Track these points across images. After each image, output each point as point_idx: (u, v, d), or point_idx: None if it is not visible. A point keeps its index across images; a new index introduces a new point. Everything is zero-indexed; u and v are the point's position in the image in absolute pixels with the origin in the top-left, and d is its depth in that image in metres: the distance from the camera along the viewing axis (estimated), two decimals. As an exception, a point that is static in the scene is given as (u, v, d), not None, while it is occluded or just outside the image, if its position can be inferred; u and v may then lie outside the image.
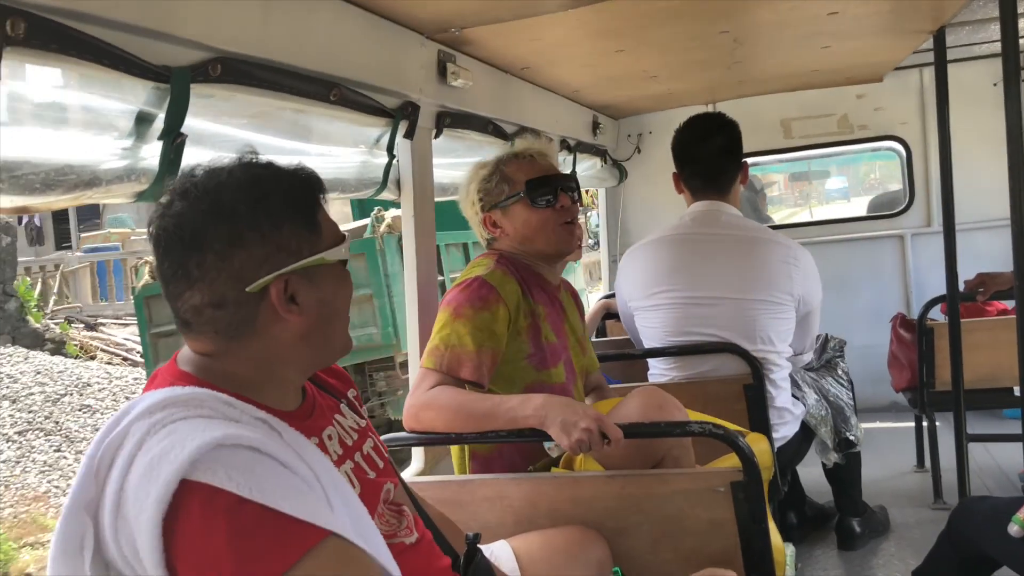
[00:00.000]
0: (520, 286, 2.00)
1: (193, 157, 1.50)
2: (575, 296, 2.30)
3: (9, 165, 1.14)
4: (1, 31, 1.05)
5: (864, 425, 4.46)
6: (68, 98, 1.22)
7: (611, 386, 2.85)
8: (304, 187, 1.19)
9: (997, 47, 3.43)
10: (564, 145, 3.94)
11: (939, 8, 2.87)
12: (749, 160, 5.11)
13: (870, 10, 2.75)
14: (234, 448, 0.99)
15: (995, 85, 4.35)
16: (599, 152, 4.64)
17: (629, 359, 2.89)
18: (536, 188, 2.04)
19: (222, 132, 1.58)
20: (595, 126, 4.39)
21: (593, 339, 3.72)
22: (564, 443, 1.70)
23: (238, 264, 1.11)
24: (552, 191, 2.04)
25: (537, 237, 2.06)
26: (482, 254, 2.13)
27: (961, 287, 3.38)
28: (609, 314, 3.71)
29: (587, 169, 4.54)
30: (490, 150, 3.05)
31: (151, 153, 1.39)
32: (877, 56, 3.81)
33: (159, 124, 1.38)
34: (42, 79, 1.18)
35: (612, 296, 4.01)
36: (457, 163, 2.91)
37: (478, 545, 1.53)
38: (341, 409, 1.37)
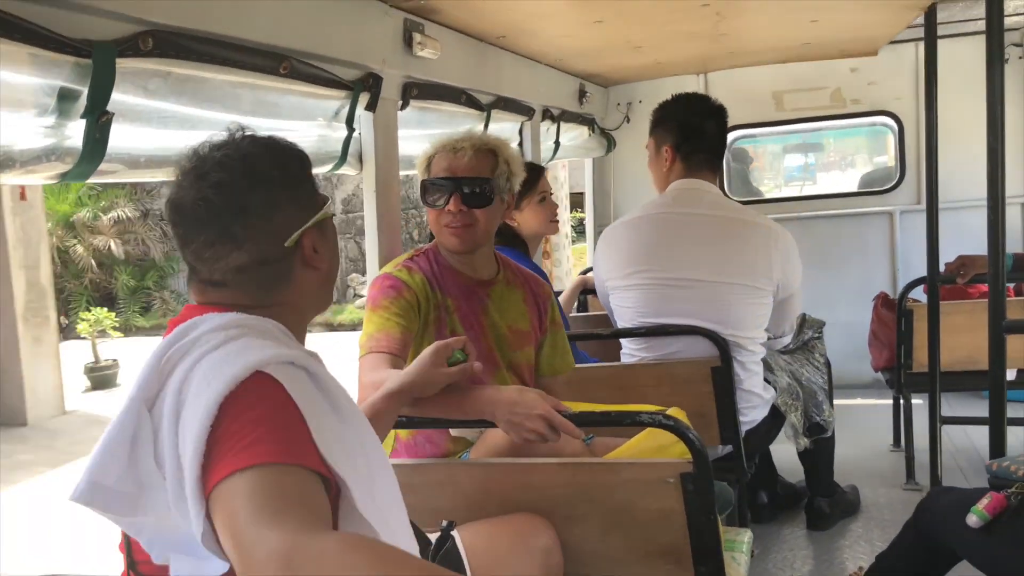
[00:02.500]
0: (428, 281, 2.03)
1: (125, 135, 1.46)
2: (534, 292, 2.22)
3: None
4: None
5: (844, 402, 4.47)
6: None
7: (587, 365, 2.82)
8: (302, 154, 1.31)
9: None
10: (547, 115, 3.87)
11: None
12: (740, 132, 5.10)
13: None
14: (299, 368, 1.11)
15: None
16: (586, 121, 4.56)
17: (599, 339, 2.86)
18: (426, 188, 2.04)
19: (158, 108, 1.52)
20: (582, 94, 4.31)
21: (573, 314, 3.67)
22: (515, 439, 1.70)
23: (277, 223, 1.22)
24: (441, 194, 2.01)
25: (434, 230, 2.08)
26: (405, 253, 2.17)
27: (942, 268, 3.34)
28: (587, 289, 3.67)
29: (573, 139, 4.46)
30: (464, 121, 2.99)
31: (77, 132, 1.34)
32: (870, 30, 3.71)
33: (84, 102, 1.32)
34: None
35: (591, 270, 3.98)
36: (430, 135, 2.84)
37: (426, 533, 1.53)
38: None
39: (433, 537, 1.62)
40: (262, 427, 1.01)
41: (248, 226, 1.19)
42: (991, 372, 2.42)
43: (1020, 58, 4.45)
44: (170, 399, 1.08)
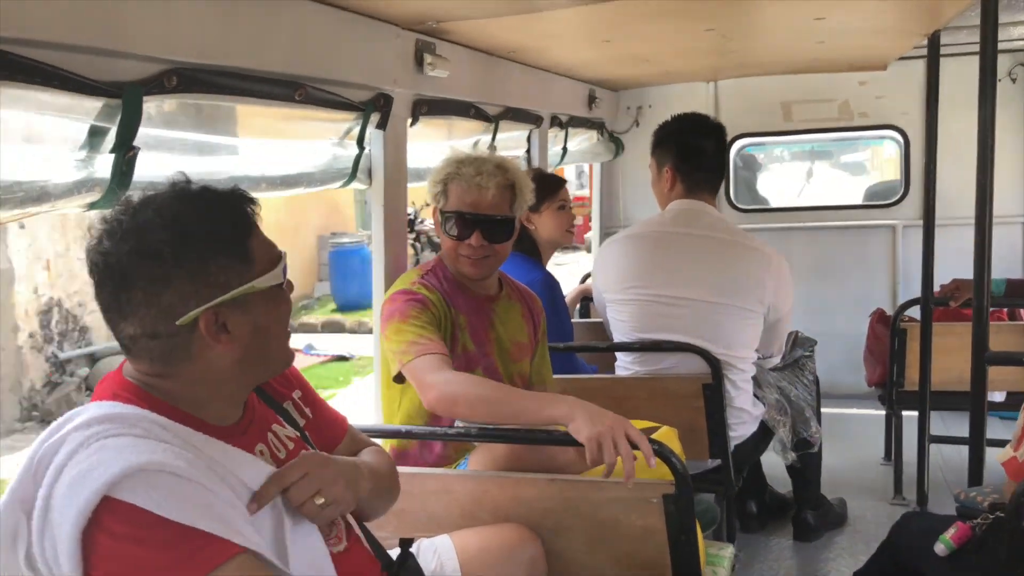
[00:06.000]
0: (444, 297, 2.09)
1: (147, 163, 1.54)
2: (530, 307, 2.31)
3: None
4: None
5: (838, 411, 4.55)
6: (14, 117, 1.26)
7: (582, 376, 2.90)
8: (234, 217, 1.21)
9: (1003, 46, 3.35)
10: (555, 121, 3.93)
11: (932, 15, 2.84)
12: (746, 140, 5.15)
13: (856, 17, 2.73)
14: (157, 473, 1.07)
15: (999, 80, 4.30)
16: (595, 125, 4.61)
17: (594, 351, 2.94)
18: (449, 219, 2.09)
19: (177, 137, 1.61)
20: (591, 100, 4.36)
21: (574, 320, 3.75)
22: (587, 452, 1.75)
23: (167, 301, 1.15)
24: (464, 229, 2.07)
25: (446, 256, 2.14)
26: (412, 270, 2.21)
27: (936, 288, 3.40)
28: (588, 296, 3.75)
29: (581, 143, 4.52)
30: (470, 134, 3.06)
31: (105, 164, 1.43)
32: (875, 51, 3.77)
33: (112, 136, 1.41)
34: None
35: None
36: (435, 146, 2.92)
37: (417, 541, 1.62)
38: (279, 419, 1.42)
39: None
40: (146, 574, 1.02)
41: (131, 300, 1.14)
42: (972, 400, 2.50)
43: None
44: (37, 519, 1.07)
